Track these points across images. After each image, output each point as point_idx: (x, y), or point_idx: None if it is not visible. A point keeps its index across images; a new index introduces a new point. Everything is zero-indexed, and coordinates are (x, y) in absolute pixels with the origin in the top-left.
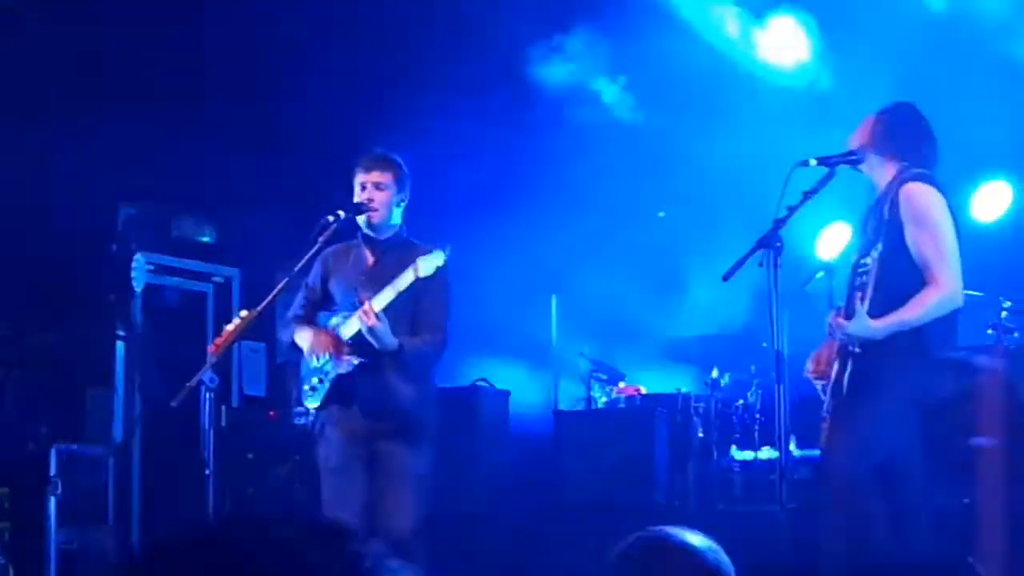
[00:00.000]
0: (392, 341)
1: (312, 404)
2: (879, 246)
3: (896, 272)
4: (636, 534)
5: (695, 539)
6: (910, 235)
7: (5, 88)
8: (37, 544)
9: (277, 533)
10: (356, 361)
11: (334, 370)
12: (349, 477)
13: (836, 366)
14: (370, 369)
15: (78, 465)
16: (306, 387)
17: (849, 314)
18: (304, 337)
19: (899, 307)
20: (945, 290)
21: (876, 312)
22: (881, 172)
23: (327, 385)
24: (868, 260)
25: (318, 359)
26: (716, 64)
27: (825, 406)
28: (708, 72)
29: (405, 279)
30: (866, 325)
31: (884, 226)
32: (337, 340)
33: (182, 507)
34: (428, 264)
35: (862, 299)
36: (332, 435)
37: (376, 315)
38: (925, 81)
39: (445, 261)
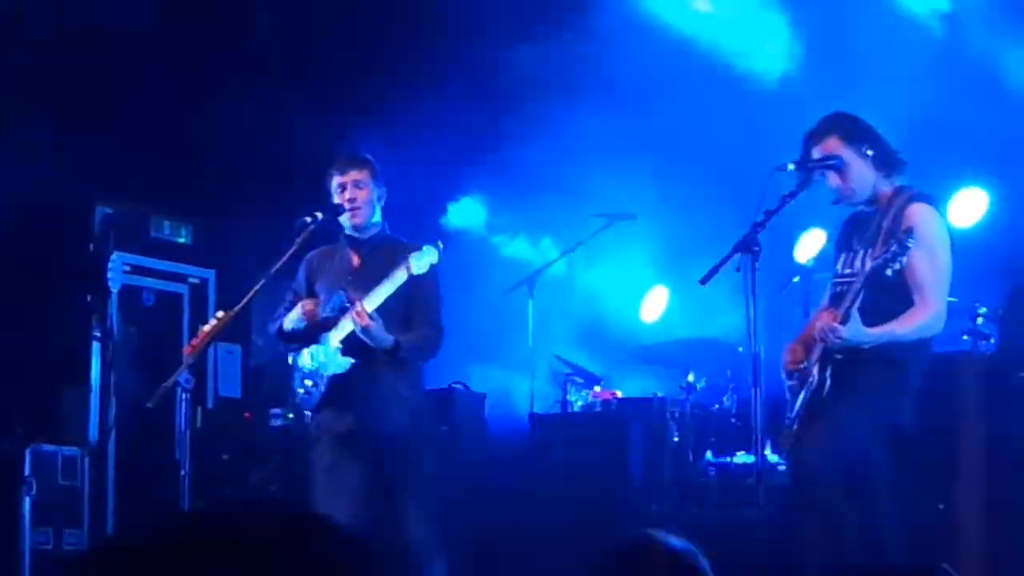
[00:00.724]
0: (387, 339)
1: (307, 407)
2: (879, 259)
3: (886, 287)
4: (618, 536)
5: (675, 541)
6: (909, 255)
7: None
8: (11, 544)
9: (294, 530)
10: (350, 362)
11: (329, 371)
12: (341, 476)
13: (817, 369)
14: (364, 369)
15: (53, 465)
16: (300, 390)
17: (843, 318)
18: (294, 313)
19: (883, 321)
20: (934, 314)
21: (867, 320)
22: (868, 179)
23: (322, 388)
24: (850, 271)
25: (311, 358)
26: (691, 65)
27: (795, 407)
28: (683, 72)
29: (398, 277)
30: (861, 331)
31: (883, 240)
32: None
33: (157, 508)
34: (422, 261)
35: (852, 305)
36: (326, 436)
37: (369, 315)
38: (902, 88)
39: (439, 258)
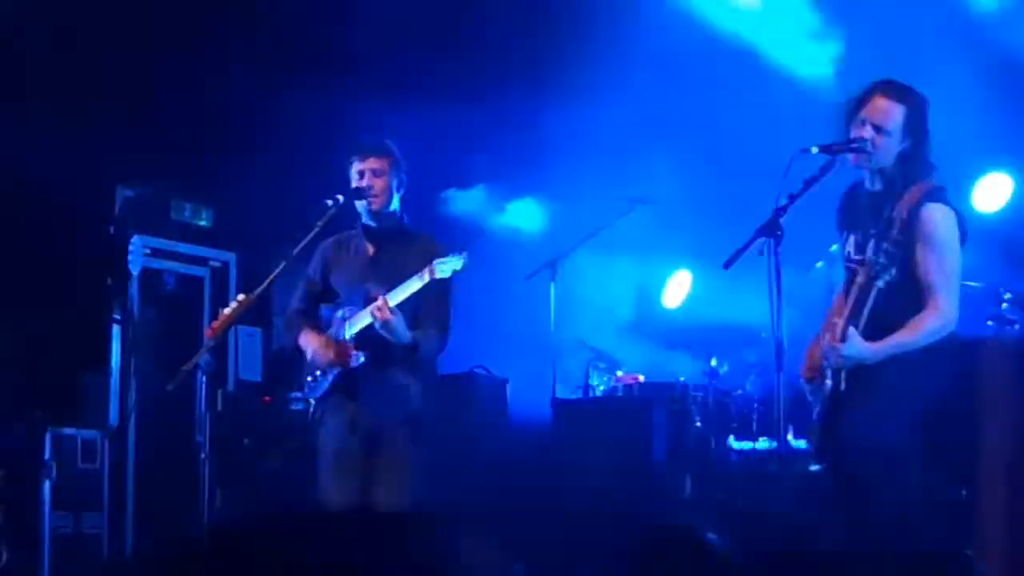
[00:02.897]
0: (407, 335)
1: (314, 395)
2: (891, 270)
3: (897, 292)
4: (645, 525)
5: (705, 531)
6: (920, 254)
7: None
8: (31, 528)
9: (347, 523)
10: (361, 357)
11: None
12: (346, 461)
13: (830, 374)
14: (375, 363)
15: (73, 449)
16: (308, 378)
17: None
18: (309, 343)
19: (893, 326)
20: (944, 316)
21: (868, 330)
22: (888, 164)
23: (329, 378)
24: (860, 257)
25: (321, 368)
26: (715, 46)
27: (815, 412)
28: (707, 54)
29: (419, 280)
30: (863, 349)
31: (895, 244)
32: (342, 350)
33: (177, 492)
34: (446, 267)
35: (854, 318)
36: (330, 421)
37: (391, 309)
38: (925, 71)
39: (464, 267)
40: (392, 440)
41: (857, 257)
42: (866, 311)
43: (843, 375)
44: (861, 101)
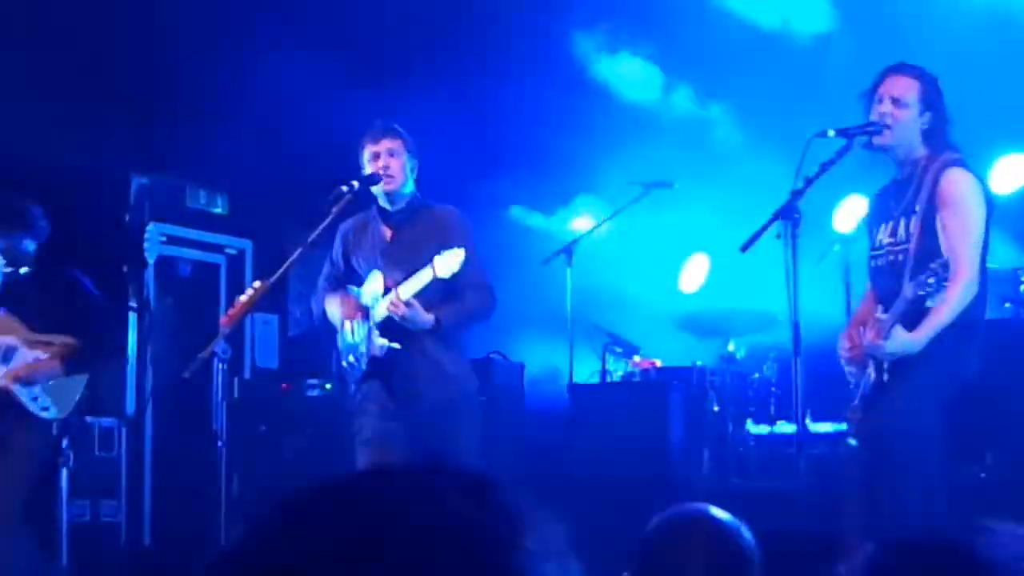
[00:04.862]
0: (427, 320)
1: (352, 379)
2: (920, 288)
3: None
4: (662, 508)
5: (720, 514)
6: (943, 219)
7: (17, 58)
8: (49, 516)
9: (427, 483)
10: (388, 345)
11: (368, 353)
12: (383, 450)
13: (873, 364)
14: (404, 352)
15: (90, 437)
16: (344, 363)
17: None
18: (333, 306)
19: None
20: (967, 280)
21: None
22: (915, 145)
23: (362, 366)
24: (891, 240)
25: (352, 333)
26: (734, 29)
27: (859, 393)
28: (722, 37)
29: (424, 276)
30: (907, 343)
31: (920, 218)
32: (363, 307)
33: (194, 479)
34: (447, 263)
35: (893, 325)
36: (368, 408)
37: (405, 303)
38: (942, 53)
39: (461, 265)
40: (432, 422)
41: (889, 240)
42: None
43: (886, 366)
44: (876, 84)
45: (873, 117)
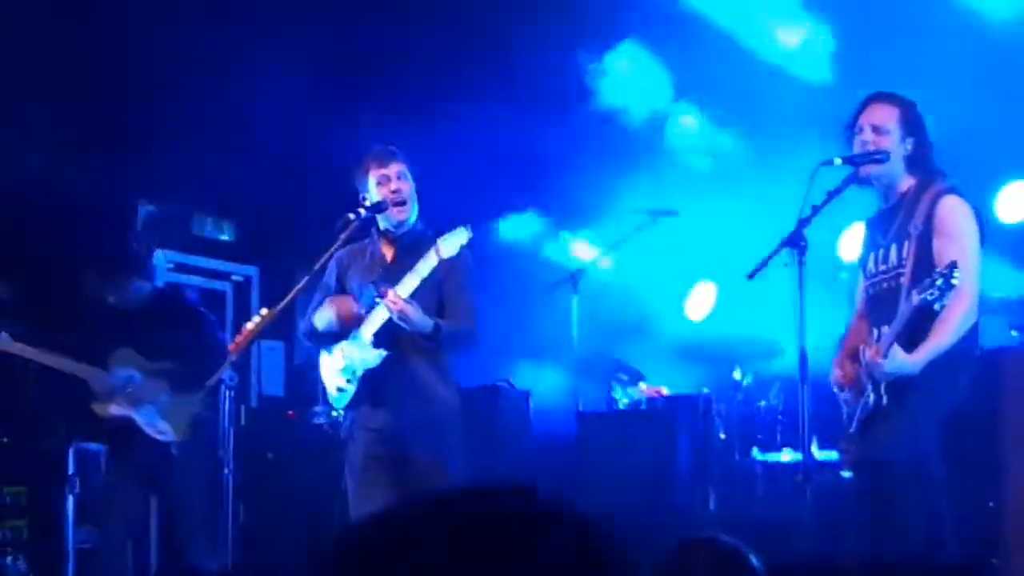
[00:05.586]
0: (427, 322)
1: (341, 404)
2: (924, 295)
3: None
4: (669, 536)
5: (727, 541)
6: (938, 247)
7: (25, 85)
8: (55, 542)
9: (513, 507)
10: (383, 354)
11: (362, 366)
12: (372, 478)
13: (871, 387)
14: (398, 363)
15: (96, 463)
16: (333, 391)
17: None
18: (326, 311)
19: (924, 325)
20: (966, 307)
21: (902, 332)
22: (898, 173)
23: (355, 384)
24: (884, 267)
25: (343, 356)
26: (741, 62)
27: (853, 419)
28: (731, 69)
29: (428, 263)
30: (906, 364)
31: (915, 242)
32: (353, 306)
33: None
34: (451, 243)
35: (892, 341)
36: (360, 435)
37: (404, 300)
38: (947, 81)
39: (468, 240)
40: (424, 446)
41: (881, 268)
42: (898, 326)
43: (883, 387)
44: (856, 114)
45: (856, 148)
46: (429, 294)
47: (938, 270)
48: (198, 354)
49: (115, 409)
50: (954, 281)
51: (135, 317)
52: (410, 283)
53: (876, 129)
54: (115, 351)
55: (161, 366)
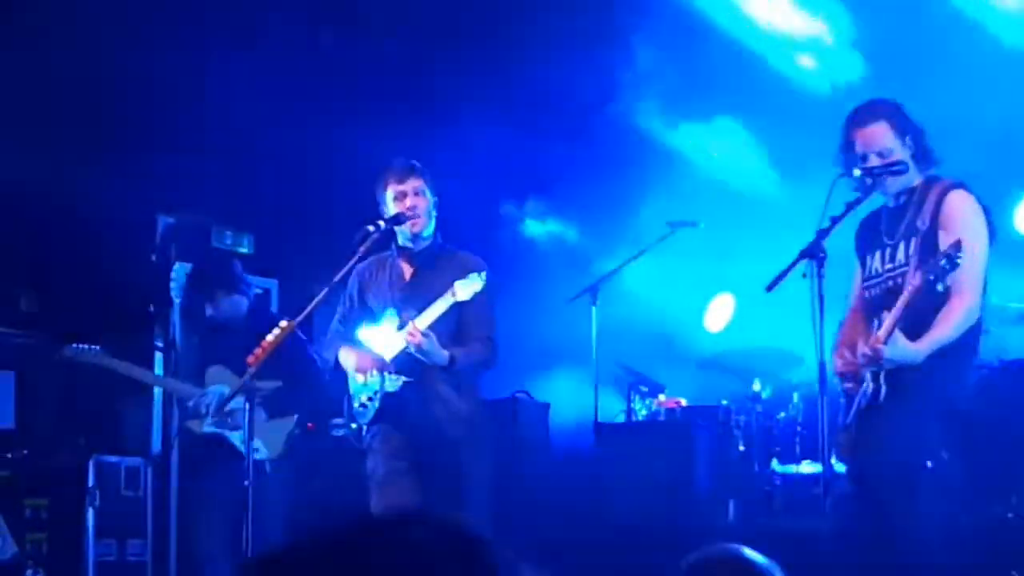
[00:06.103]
0: (442, 356)
1: (363, 421)
2: (929, 273)
3: (924, 295)
4: (696, 548)
5: (756, 556)
6: (944, 239)
7: (45, 98)
8: (75, 555)
9: (413, 535)
10: (402, 380)
11: (382, 389)
12: (397, 490)
13: (870, 376)
14: (417, 387)
15: (116, 476)
16: (356, 405)
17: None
18: (348, 357)
19: (926, 319)
20: (970, 302)
21: (905, 325)
22: (911, 173)
23: (376, 403)
24: (891, 265)
25: (365, 380)
26: (749, 68)
27: (851, 411)
28: (739, 75)
29: (444, 303)
30: (908, 351)
31: (921, 237)
32: (378, 359)
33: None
34: (467, 288)
35: (895, 325)
36: (380, 448)
37: (422, 333)
38: (969, 90)
39: (483, 287)
40: (443, 461)
41: (887, 266)
42: (898, 312)
43: (882, 378)
44: (849, 140)
45: (859, 174)
46: (448, 320)
47: (942, 251)
48: (292, 374)
49: (209, 427)
50: (958, 260)
51: (232, 333)
52: (428, 317)
53: (880, 154)
54: (209, 368)
55: (259, 385)
